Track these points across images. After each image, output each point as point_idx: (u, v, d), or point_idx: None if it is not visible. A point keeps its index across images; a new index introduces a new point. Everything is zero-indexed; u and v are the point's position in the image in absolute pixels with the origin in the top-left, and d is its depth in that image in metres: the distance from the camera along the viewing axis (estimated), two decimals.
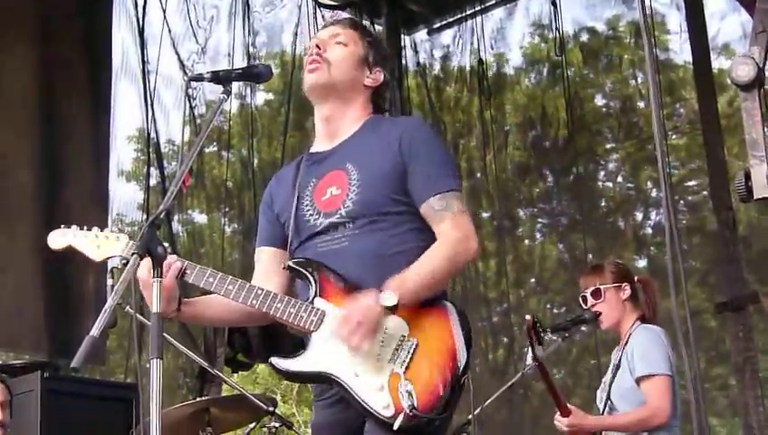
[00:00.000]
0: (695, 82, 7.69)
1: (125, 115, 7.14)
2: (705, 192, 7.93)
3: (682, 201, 8.21)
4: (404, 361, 2.75)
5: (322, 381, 2.87)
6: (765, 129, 2.01)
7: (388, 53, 3.34)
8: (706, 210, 7.74)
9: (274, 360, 2.85)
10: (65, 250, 3.11)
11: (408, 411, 2.65)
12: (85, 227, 3.11)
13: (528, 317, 4.20)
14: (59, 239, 3.11)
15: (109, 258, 3.06)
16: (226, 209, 7.96)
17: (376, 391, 2.73)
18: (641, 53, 7.69)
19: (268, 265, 3.10)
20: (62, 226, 3.13)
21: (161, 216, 2.62)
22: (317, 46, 3.07)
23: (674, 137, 8.04)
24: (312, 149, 3.14)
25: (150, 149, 7.14)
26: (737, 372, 7.27)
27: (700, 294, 7.76)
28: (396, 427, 2.66)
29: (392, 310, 2.76)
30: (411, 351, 2.76)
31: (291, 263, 2.95)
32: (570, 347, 8.08)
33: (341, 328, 2.76)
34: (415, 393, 2.68)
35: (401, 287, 2.77)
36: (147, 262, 2.59)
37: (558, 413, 4.23)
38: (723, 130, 7.24)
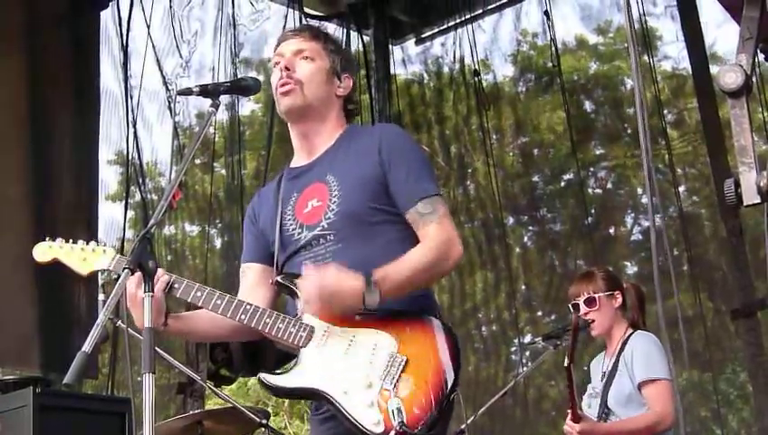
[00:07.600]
0: (695, 90, 7.68)
1: (107, 134, 7.11)
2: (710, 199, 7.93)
3: (689, 208, 8.18)
4: (393, 377, 2.72)
5: (312, 397, 2.85)
6: (755, 135, 2.02)
7: (351, 55, 3.34)
8: (714, 218, 7.75)
9: (263, 376, 2.82)
10: (51, 263, 3.03)
11: (398, 428, 2.63)
12: (71, 240, 3.04)
13: (574, 316, 4.15)
14: (45, 252, 3.04)
15: (95, 272, 2.99)
16: (217, 221, 7.93)
17: (365, 407, 2.70)
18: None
19: (253, 281, 3.07)
20: (47, 238, 3.06)
21: (152, 230, 2.61)
22: (286, 68, 3.03)
23: (679, 145, 8.02)
24: (292, 165, 3.14)
25: (132, 168, 7.09)
26: (751, 377, 7.28)
27: (708, 301, 7.74)
28: None
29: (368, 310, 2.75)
30: (401, 368, 2.74)
31: (279, 279, 2.93)
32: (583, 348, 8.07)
33: (313, 294, 2.76)
34: (404, 410, 2.66)
35: (384, 281, 2.75)
36: (134, 278, 2.60)
37: (569, 418, 4.15)
38: (726, 137, 7.22)
